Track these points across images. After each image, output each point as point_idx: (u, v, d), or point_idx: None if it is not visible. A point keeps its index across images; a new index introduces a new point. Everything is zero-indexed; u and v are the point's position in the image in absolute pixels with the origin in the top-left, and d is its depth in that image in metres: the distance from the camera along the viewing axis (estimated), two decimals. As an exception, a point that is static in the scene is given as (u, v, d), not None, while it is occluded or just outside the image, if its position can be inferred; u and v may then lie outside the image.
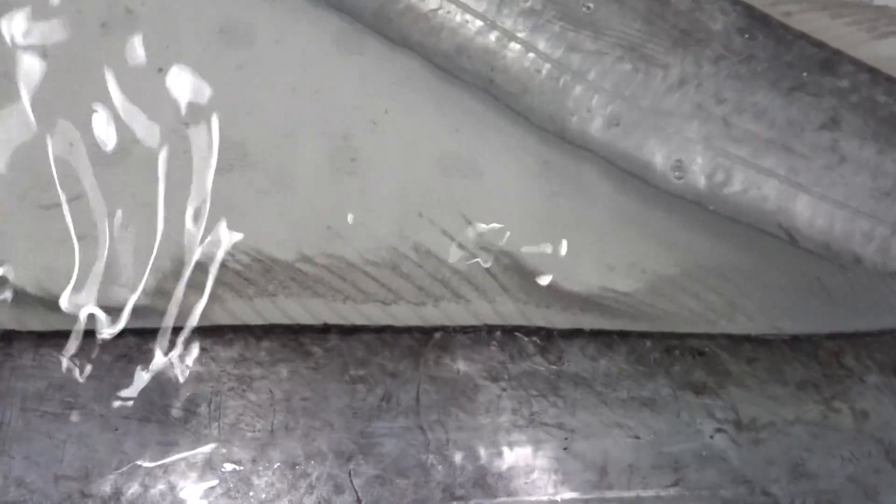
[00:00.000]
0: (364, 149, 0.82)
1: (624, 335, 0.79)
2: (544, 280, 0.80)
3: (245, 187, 0.79)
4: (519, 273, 0.80)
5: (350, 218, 0.79)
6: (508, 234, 0.81)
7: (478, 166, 0.83)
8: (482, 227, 0.81)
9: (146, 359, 0.71)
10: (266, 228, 0.78)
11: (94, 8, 0.80)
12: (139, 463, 0.68)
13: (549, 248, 0.81)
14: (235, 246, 0.76)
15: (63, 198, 0.77)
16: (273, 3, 0.82)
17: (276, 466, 0.69)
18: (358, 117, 0.82)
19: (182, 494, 0.68)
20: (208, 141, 0.79)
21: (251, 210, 0.78)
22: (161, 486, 0.68)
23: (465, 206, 0.81)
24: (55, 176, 0.76)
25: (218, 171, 0.78)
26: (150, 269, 0.75)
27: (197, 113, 0.79)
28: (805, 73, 0.79)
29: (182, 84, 0.80)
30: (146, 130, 0.79)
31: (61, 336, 0.71)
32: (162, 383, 0.70)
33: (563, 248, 0.82)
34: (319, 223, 0.79)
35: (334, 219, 0.79)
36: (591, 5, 0.79)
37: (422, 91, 0.83)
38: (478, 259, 0.80)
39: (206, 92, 0.80)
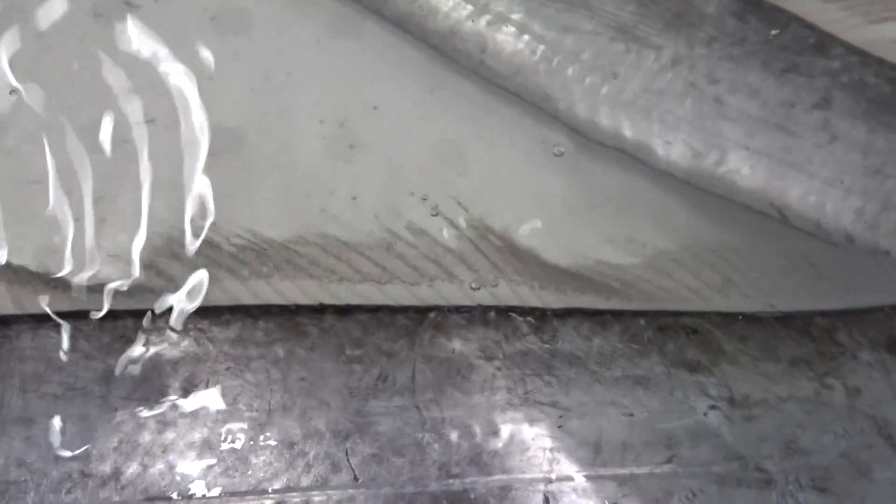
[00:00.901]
0: (360, 133, 0.82)
1: (617, 314, 0.79)
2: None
3: (240, 171, 0.79)
4: (512, 253, 0.80)
5: (344, 200, 0.79)
6: (502, 213, 0.81)
7: (472, 148, 0.83)
8: (476, 207, 0.81)
9: (150, 340, 0.71)
10: (260, 211, 0.78)
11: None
12: (138, 442, 0.68)
13: (540, 226, 0.82)
14: (230, 228, 0.77)
15: (51, 174, 0.77)
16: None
17: (273, 446, 0.69)
18: (354, 102, 0.82)
19: (181, 473, 0.68)
20: (197, 124, 0.79)
21: (246, 193, 0.78)
22: (160, 466, 0.68)
23: (460, 188, 0.82)
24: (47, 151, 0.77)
25: (214, 155, 0.78)
26: (140, 250, 0.76)
27: (185, 97, 0.80)
28: (797, 55, 0.80)
29: (172, 69, 0.81)
30: (136, 113, 0.79)
31: (60, 317, 0.71)
32: (160, 364, 0.70)
33: (557, 226, 0.82)
34: (314, 206, 0.79)
35: (329, 201, 0.79)
36: None
37: (417, 76, 0.84)
38: (470, 239, 0.80)
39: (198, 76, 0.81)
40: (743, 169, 0.79)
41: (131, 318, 0.72)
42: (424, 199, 0.80)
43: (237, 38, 0.82)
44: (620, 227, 0.83)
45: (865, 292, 0.84)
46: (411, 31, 0.83)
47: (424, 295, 0.78)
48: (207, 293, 0.74)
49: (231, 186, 0.78)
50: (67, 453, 0.67)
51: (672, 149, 0.80)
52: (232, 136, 0.79)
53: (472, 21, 0.80)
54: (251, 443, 0.69)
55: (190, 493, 0.68)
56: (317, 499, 0.69)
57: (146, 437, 0.68)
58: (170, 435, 0.69)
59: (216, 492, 0.68)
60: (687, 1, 0.80)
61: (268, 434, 0.70)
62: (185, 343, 0.72)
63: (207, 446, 0.69)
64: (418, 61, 0.84)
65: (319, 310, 0.75)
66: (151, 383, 0.70)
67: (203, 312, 0.73)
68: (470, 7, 0.80)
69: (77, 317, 0.71)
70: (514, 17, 0.80)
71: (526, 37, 0.80)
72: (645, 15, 0.80)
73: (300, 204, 0.79)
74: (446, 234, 0.80)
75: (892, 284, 0.84)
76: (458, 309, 0.77)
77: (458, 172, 0.82)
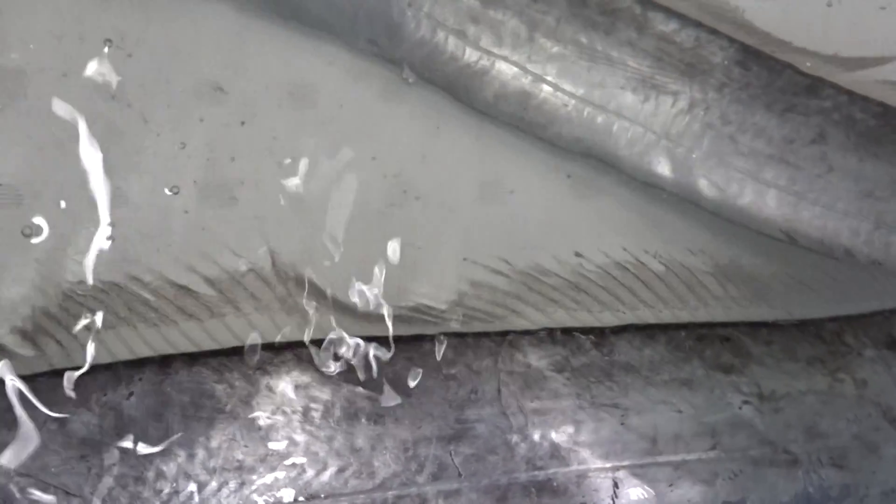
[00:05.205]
0: (412, 184, 0.86)
1: (663, 327, 0.84)
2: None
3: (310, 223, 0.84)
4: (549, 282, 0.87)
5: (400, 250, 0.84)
6: (545, 245, 0.87)
7: (511, 190, 0.88)
8: (521, 246, 0.86)
9: (281, 371, 0.77)
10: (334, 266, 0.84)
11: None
12: (278, 452, 0.74)
13: (574, 257, 0.87)
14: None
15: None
16: (332, 66, 0.87)
17: (391, 450, 0.75)
18: (406, 157, 0.87)
19: (319, 477, 0.75)
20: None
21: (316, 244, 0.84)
22: (298, 472, 0.74)
23: (503, 228, 0.87)
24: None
25: (300, 215, 0.84)
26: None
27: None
28: (794, 97, 0.84)
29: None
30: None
31: (208, 355, 0.78)
32: (299, 387, 0.77)
33: (589, 254, 0.87)
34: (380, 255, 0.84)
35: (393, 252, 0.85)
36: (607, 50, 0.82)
37: (459, 129, 0.88)
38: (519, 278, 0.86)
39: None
40: (757, 199, 0.83)
41: (266, 351, 0.78)
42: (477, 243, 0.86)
43: (308, 108, 0.86)
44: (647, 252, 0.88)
45: (865, 299, 0.89)
46: (458, 95, 0.85)
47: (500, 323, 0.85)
48: (342, 323, 0.81)
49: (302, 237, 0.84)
50: (222, 466, 0.74)
51: (696, 184, 0.84)
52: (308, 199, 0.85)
53: (517, 81, 0.82)
54: (373, 450, 0.75)
55: (324, 494, 0.75)
56: (430, 492, 0.75)
57: (285, 447, 0.75)
58: (301, 439, 0.75)
59: (349, 489, 0.75)
60: (697, 53, 0.83)
61: (386, 441, 0.76)
62: (311, 370, 0.78)
63: (337, 454, 0.75)
64: (459, 114, 0.87)
65: (418, 337, 0.81)
66: (287, 402, 0.76)
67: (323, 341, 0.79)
68: (515, 69, 0.82)
69: (223, 354, 0.78)
70: (549, 77, 0.82)
71: (559, 94, 0.83)
72: (661, 66, 0.82)
73: (368, 255, 0.84)
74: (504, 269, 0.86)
75: (887, 291, 0.89)
76: (529, 332, 0.82)
77: (501, 212, 0.86)
